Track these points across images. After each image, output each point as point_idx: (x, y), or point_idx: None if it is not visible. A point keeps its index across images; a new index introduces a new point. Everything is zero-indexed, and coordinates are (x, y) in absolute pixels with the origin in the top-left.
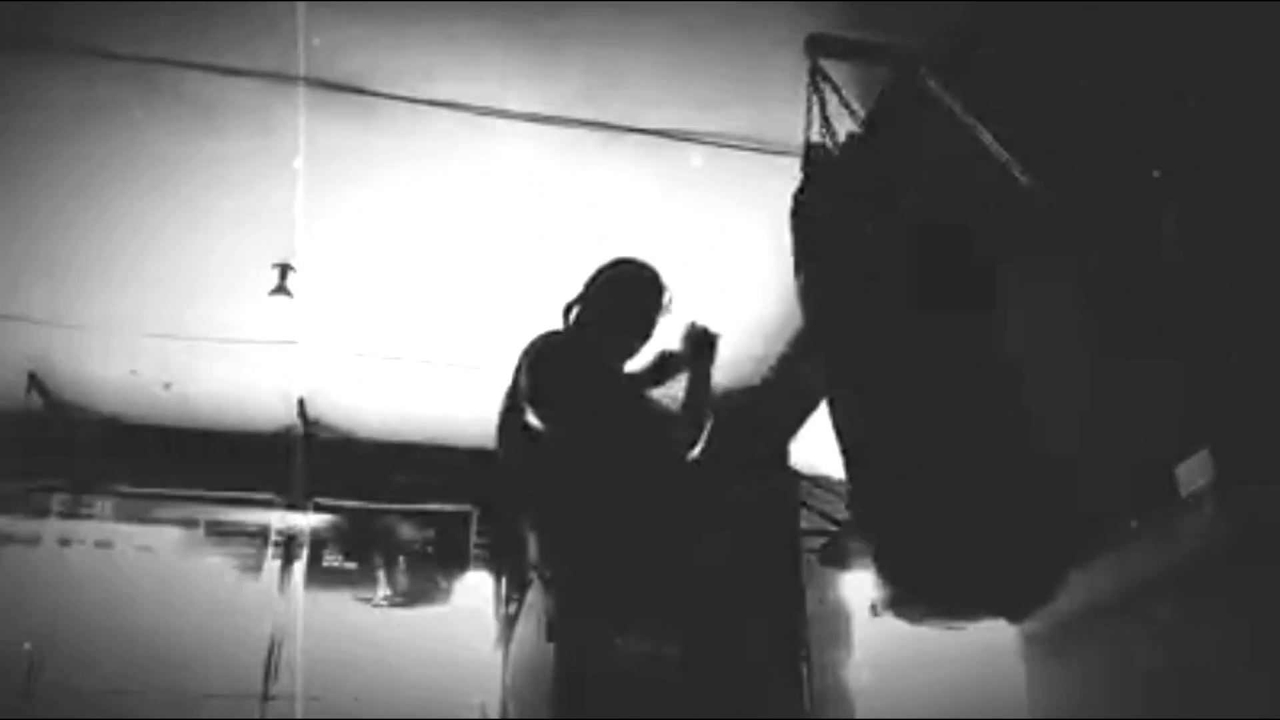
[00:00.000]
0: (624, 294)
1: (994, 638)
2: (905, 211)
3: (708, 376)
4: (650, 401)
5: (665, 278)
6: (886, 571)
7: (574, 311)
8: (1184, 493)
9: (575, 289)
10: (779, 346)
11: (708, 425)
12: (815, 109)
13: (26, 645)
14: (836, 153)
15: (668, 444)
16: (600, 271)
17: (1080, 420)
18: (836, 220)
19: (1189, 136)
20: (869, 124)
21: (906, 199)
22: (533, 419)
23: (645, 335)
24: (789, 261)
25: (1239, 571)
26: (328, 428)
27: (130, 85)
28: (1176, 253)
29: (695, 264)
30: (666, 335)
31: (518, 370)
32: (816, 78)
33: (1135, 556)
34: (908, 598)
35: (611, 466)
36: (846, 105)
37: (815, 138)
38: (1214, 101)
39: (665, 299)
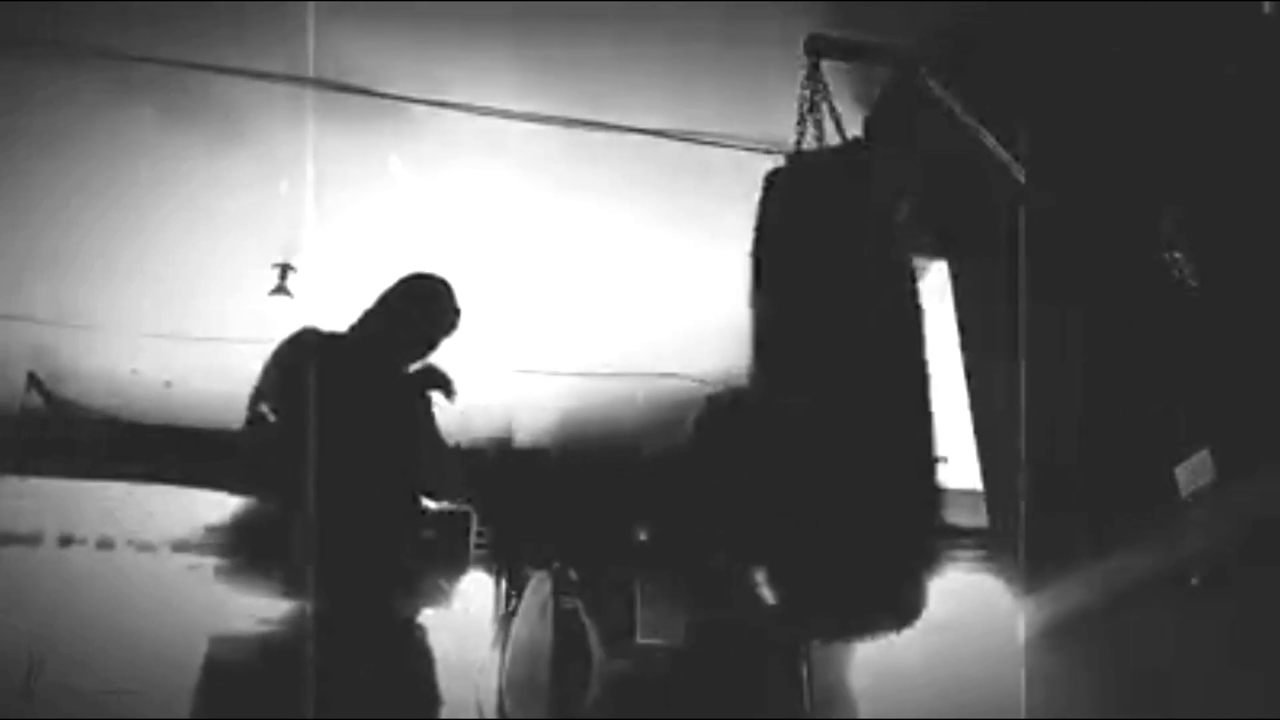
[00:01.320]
0: (413, 310)
1: (994, 638)
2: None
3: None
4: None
5: (455, 299)
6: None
7: (364, 314)
8: (1184, 493)
9: (574, 288)
10: None
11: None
12: (805, 107)
13: None
14: (822, 152)
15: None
16: (400, 283)
17: (1080, 420)
18: (806, 217)
19: (1190, 136)
20: (868, 126)
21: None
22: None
23: (424, 352)
24: None
25: (1241, 572)
26: None
27: (133, 85)
28: (1176, 253)
29: (694, 263)
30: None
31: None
32: (810, 79)
33: (1136, 557)
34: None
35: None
36: (831, 108)
37: (804, 136)
38: (1215, 101)
39: (450, 321)
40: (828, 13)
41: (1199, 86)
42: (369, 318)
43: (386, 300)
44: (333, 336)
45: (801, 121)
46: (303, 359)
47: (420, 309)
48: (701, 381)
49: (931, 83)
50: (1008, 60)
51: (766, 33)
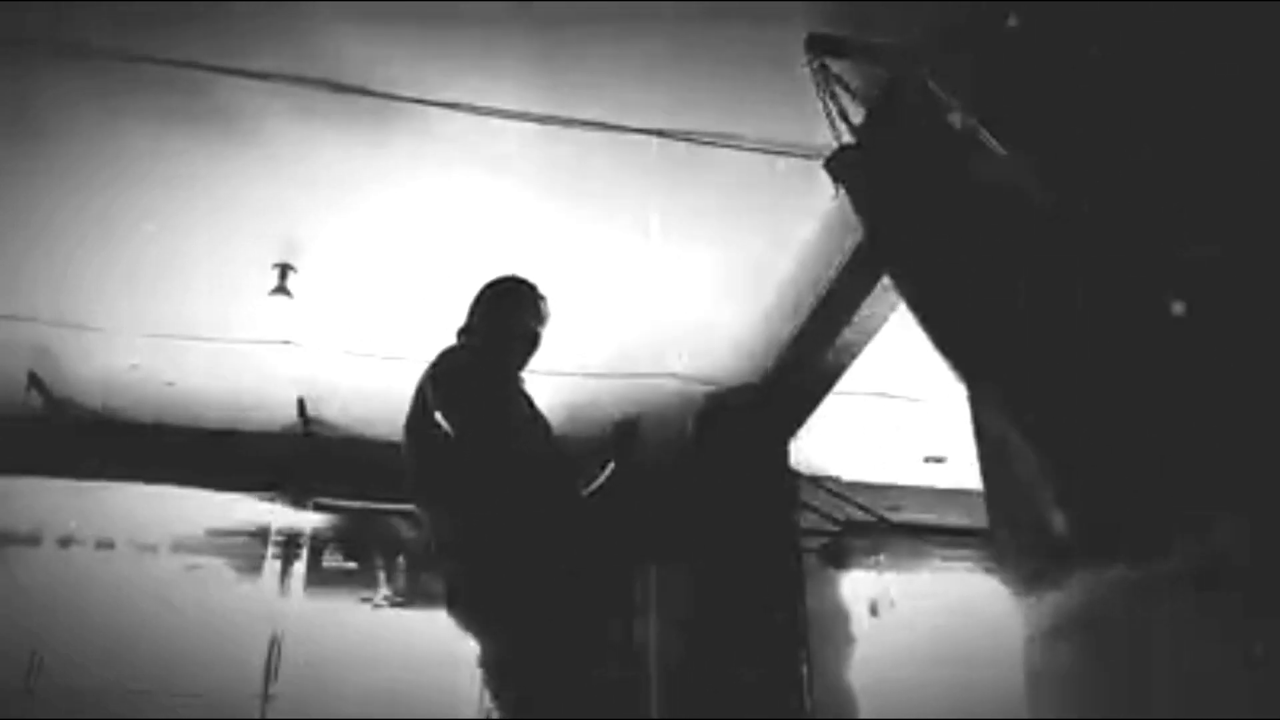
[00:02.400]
0: (506, 311)
1: (994, 637)
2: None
3: (624, 466)
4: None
5: (541, 289)
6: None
7: (464, 335)
8: None
9: (574, 289)
10: (778, 345)
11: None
12: (830, 104)
13: None
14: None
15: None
16: (481, 292)
17: (1081, 421)
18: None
19: (1189, 136)
20: (869, 122)
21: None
22: (446, 426)
23: (532, 344)
24: (790, 262)
25: (1241, 572)
26: (328, 428)
27: (133, 85)
28: (1176, 253)
29: (695, 263)
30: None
31: (424, 385)
32: (823, 77)
33: (1136, 557)
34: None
35: (519, 469)
36: (841, 106)
37: (838, 131)
38: (1215, 101)
39: (543, 310)
40: (830, 12)
41: (1198, 87)
42: (476, 332)
43: (487, 312)
44: (473, 355)
45: (830, 120)
46: (473, 376)
47: (522, 307)
48: (702, 382)
49: (932, 83)
50: (1008, 60)
51: (769, 33)
